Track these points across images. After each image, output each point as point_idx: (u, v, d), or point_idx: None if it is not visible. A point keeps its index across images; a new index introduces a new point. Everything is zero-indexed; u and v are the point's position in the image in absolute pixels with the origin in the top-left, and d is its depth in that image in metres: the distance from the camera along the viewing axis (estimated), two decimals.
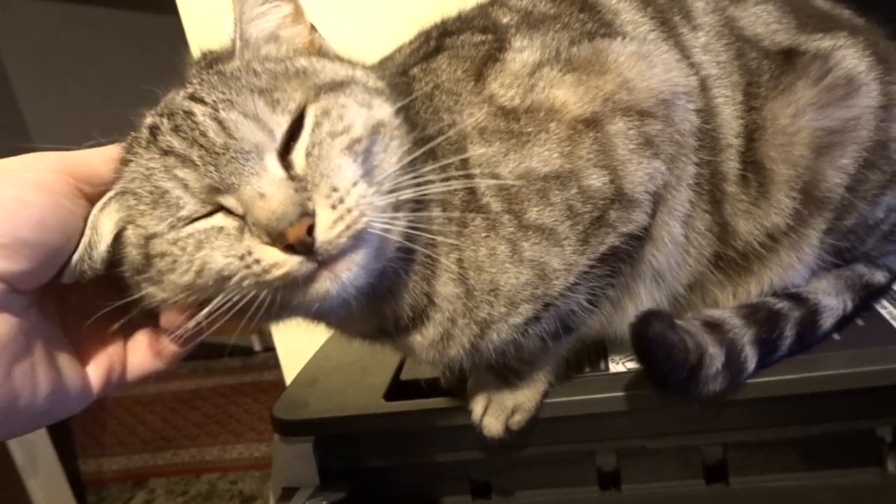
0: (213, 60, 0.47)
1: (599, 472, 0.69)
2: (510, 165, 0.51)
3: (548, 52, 0.55)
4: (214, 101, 0.42)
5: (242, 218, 0.41)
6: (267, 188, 0.40)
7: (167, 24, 1.69)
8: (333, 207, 0.41)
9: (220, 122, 0.41)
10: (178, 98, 0.44)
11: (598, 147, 0.52)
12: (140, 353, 0.50)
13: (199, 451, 2.56)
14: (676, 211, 0.59)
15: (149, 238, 0.41)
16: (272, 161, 0.41)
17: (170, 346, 0.49)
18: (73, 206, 0.41)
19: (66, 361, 0.45)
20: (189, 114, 0.42)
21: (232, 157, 0.40)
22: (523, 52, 0.55)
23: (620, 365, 0.66)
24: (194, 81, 0.45)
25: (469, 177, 0.51)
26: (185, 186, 0.40)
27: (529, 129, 0.52)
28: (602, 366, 0.67)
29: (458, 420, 0.63)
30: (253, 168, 0.40)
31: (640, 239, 0.57)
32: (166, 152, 0.41)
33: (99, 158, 0.44)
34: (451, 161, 0.50)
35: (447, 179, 0.49)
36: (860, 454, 0.64)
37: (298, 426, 0.66)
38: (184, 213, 0.41)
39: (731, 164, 0.61)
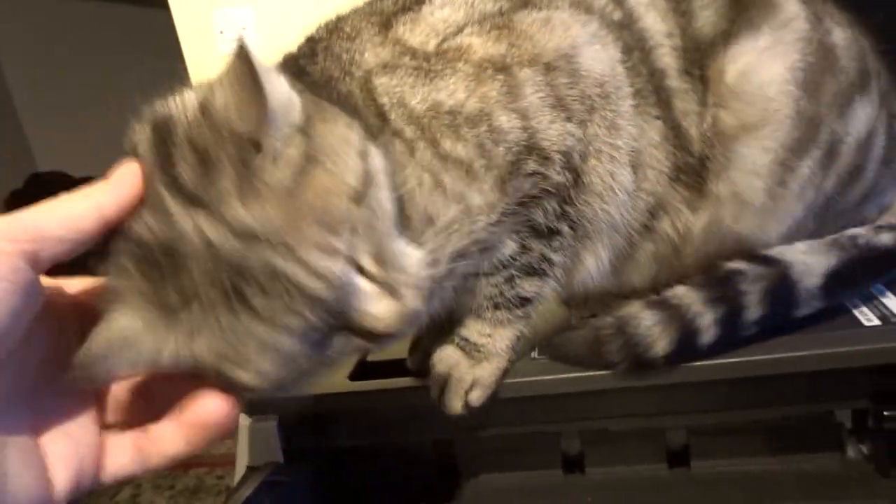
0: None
1: (564, 456, 0.69)
2: (418, 97, 0.52)
3: (473, 14, 0.57)
4: (283, 244, 0.38)
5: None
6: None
7: (156, 18, 1.69)
8: None
9: (308, 269, 0.38)
10: (230, 239, 0.38)
11: (507, 90, 0.53)
12: (121, 451, 0.41)
13: None
14: (620, 150, 0.58)
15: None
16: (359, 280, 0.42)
17: (165, 445, 0.42)
18: (6, 286, 0.34)
19: (19, 460, 0.36)
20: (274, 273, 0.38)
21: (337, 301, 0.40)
22: (444, 9, 0.57)
23: None
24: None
25: (378, 105, 0.52)
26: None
27: (437, 67, 0.53)
28: None
29: (422, 400, 0.62)
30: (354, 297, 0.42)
31: (567, 195, 0.58)
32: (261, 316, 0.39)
33: (50, 218, 0.37)
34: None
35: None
36: (821, 439, 0.65)
37: (262, 404, 0.66)
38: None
39: (665, 60, 0.61)
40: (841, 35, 0.64)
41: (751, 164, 0.60)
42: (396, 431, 0.67)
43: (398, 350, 0.71)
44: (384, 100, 0.52)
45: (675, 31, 0.62)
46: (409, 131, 0.52)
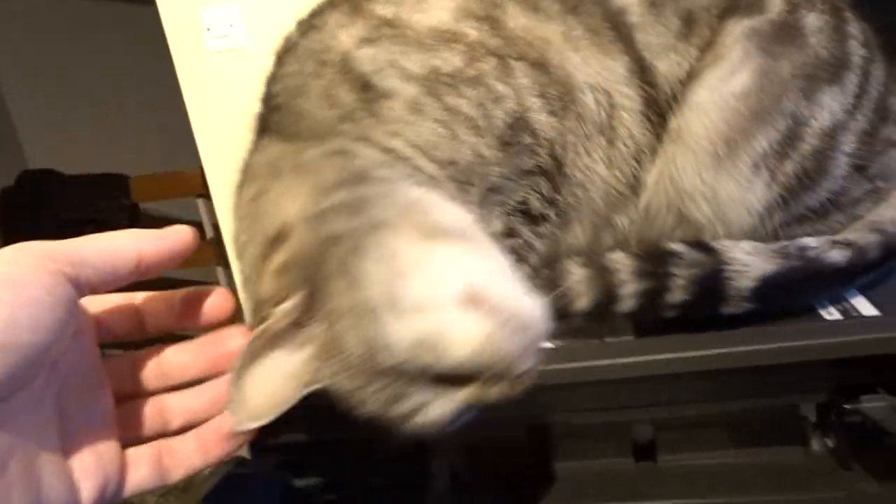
0: None
1: (533, 450, 0.69)
2: (414, 63, 0.54)
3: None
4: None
5: None
6: None
7: (143, 15, 1.69)
8: None
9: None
10: None
11: (499, 68, 0.56)
12: (141, 465, 0.42)
13: None
14: (592, 136, 0.60)
15: None
16: None
17: (184, 458, 0.43)
18: (49, 299, 0.35)
19: (51, 471, 0.37)
20: None
21: None
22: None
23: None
24: None
25: (357, 75, 0.53)
26: None
27: (429, 42, 0.55)
28: None
29: None
30: None
31: (554, 182, 0.60)
32: None
33: (91, 247, 0.38)
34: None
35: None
36: (785, 433, 0.65)
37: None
38: None
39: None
40: (815, 18, 0.62)
41: (696, 100, 0.61)
42: (363, 426, 0.67)
43: None
44: (366, 68, 0.53)
45: None
46: (408, 89, 0.53)
